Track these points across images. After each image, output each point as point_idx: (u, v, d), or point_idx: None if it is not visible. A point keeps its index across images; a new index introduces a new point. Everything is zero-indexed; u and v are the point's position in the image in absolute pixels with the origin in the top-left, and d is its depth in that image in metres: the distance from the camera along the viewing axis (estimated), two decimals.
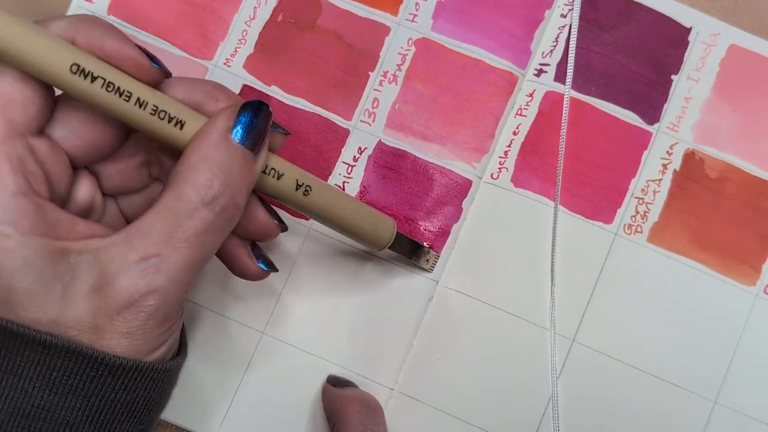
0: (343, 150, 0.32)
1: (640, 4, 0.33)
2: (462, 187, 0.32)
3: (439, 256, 0.31)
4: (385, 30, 0.33)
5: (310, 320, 0.31)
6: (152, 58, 0.23)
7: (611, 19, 0.33)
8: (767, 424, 0.31)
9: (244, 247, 0.26)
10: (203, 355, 0.31)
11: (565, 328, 0.31)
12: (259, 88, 0.33)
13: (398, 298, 0.31)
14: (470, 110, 0.32)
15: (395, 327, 0.31)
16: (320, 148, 0.32)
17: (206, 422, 0.31)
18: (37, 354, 0.21)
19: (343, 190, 0.32)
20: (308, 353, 0.31)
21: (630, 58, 0.33)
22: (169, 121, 0.23)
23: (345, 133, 0.33)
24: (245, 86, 0.33)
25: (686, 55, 0.33)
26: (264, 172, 0.25)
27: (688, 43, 0.33)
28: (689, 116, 0.32)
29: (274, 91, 0.33)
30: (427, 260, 0.31)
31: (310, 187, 0.26)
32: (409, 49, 0.33)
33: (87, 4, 0.33)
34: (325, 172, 0.32)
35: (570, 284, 0.31)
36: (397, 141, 0.32)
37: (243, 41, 0.33)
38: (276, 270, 0.27)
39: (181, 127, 0.23)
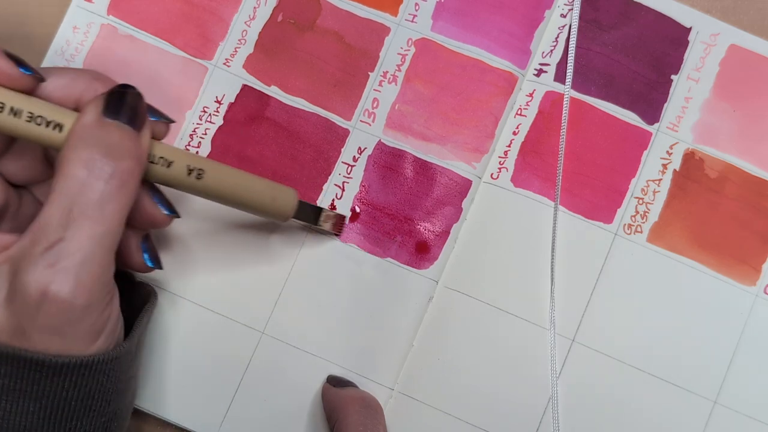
0: (342, 150, 0.32)
1: (640, 4, 0.33)
2: (462, 187, 0.32)
3: (345, 218, 0.31)
4: (384, 30, 0.33)
5: (310, 320, 0.31)
6: (22, 64, 0.23)
7: (611, 19, 0.33)
8: (767, 424, 0.31)
9: (133, 238, 0.26)
10: (204, 355, 0.31)
11: (565, 328, 0.31)
12: (258, 88, 0.33)
13: (398, 298, 0.31)
14: (470, 110, 0.32)
15: (395, 327, 0.31)
16: (320, 148, 0.32)
17: (206, 422, 0.31)
18: None
19: (343, 190, 0.32)
20: (308, 353, 0.31)
21: (630, 58, 0.33)
22: (47, 126, 0.23)
23: (345, 133, 0.33)
24: (245, 86, 0.33)
25: (686, 55, 0.33)
26: (153, 162, 0.25)
27: (688, 43, 0.33)
28: (689, 116, 0.32)
29: (274, 91, 0.33)
30: (333, 223, 0.31)
31: (203, 171, 0.25)
32: (408, 50, 0.33)
33: (87, 4, 0.33)
34: (324, 173, 0.32)
35: (570, 284, 0.31)
36: (396, 141, 0.32)
37: (243, 41, 0.33)
38: (161, 267, 0.27)
39: (60, 130, 0.23)
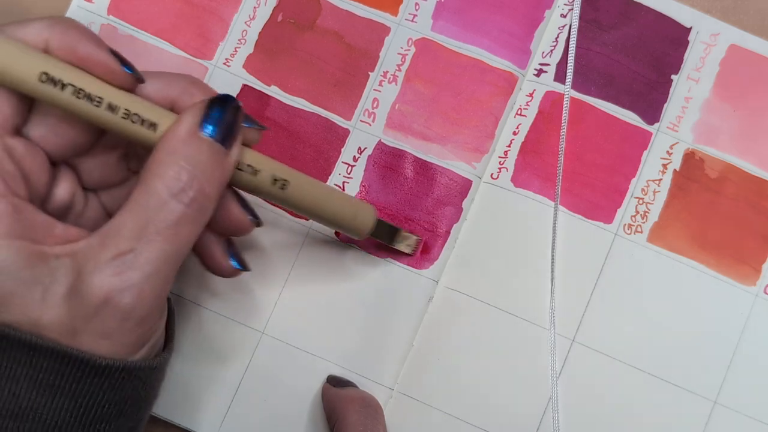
0: (342, 150, 0.32)
1: (640, 4, 0.33)
2: (462, 187, 0.32)
3: (420, 240, 0.31)
4: (385, 30, 0.33)
5: (310, 320, 0.31)
6: (125, 63, 0.23)
7: (611, 19, 0.33)
8: (767, 424, 0.31)
9: (218, 244, 0.26)
10: (204, 355, 0.31)
11: (565, 328, 0.31)
12: (258, 88, 0.33)
13: (398, 298, 0.31)
14: (470, 110, 0.32)
15: (395, 327, 0.31)
16: (320, 148, 0.32)
17: (206, 422, 0.31)
18: (23, 355, 0.21)
19: (343, 190, 0.32)
20: (308, 353, 0.31)
21: (630, 58, 0.33)
22: (141, 124, 0.23)
23: (345, 133, 0.33)
24: (245, 86, 0.33)
25: (686, 55, 0.33)
26: (239, 168, 0.24)
27: (688, 43, 0.33)
28: (689, 116, 0.32)
29: (274, 91, 0.33)
30: (408, 245, 0.31)
31: (287, 182, 0.25)
32: (408, 49, 0.33)
33: (87, 4, 0.33)
34: (324, 172, 0.32)
35: (570, 284, 0.31)
36: (397, 141, 0.32)
37: (243, 41, 0.33)
38: (248, 269, 0.27)
39: (155, 129, 0.23)
